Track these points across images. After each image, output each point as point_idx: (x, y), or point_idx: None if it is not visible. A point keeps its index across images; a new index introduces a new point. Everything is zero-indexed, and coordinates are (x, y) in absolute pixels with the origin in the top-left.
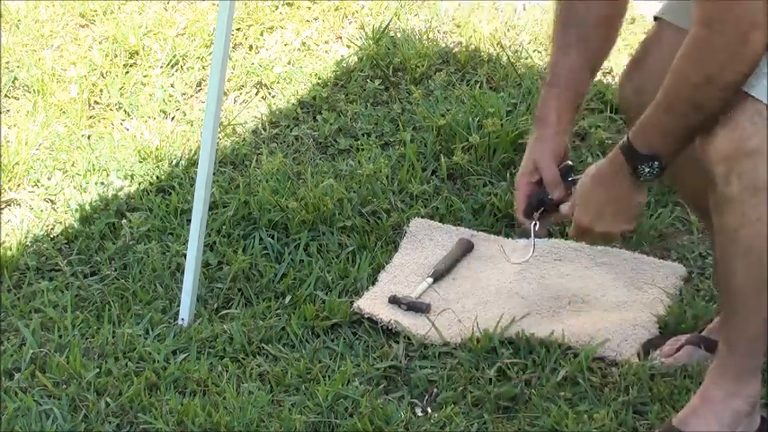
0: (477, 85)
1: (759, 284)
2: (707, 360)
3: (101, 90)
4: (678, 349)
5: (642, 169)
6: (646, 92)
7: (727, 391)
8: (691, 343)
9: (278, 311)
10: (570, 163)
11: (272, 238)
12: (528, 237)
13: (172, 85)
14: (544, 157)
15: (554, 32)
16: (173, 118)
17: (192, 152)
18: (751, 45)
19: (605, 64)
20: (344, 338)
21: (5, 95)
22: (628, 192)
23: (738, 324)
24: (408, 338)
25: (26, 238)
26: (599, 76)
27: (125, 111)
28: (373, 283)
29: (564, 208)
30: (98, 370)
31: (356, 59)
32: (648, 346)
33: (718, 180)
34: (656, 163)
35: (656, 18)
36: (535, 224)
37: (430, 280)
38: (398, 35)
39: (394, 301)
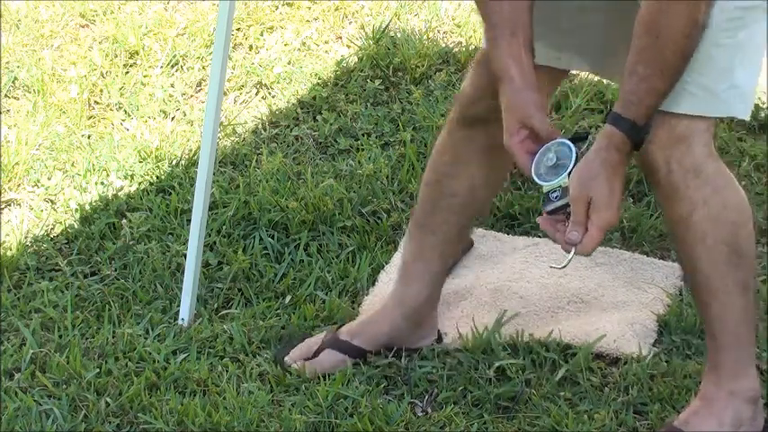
0: None
1: (723, 267)
2: (343, 362)
3: (101, 90)
4: (317, 353)
5: (644, 140)
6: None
7: (727, 390)
8: (329, 347)
9: (278, 311)
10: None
11: (272, 238)
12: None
13: (172, 85)
14: (528, 108)
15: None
16: (173, 118)
17: (192, 152)
18: None
19: None
20: None
21: (5, 95)
22: (625, 169)
23: (717, 315)
24: None
25: (26, 238)
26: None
27: (125, 111)
28: (373, 284)
29: (574, 234)
30: (98, 370)
31: (356, 59)
32: (282, 354)
33: (661, 171)
34: (650, 125)
35: None
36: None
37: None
38: (398, 35)
39: None
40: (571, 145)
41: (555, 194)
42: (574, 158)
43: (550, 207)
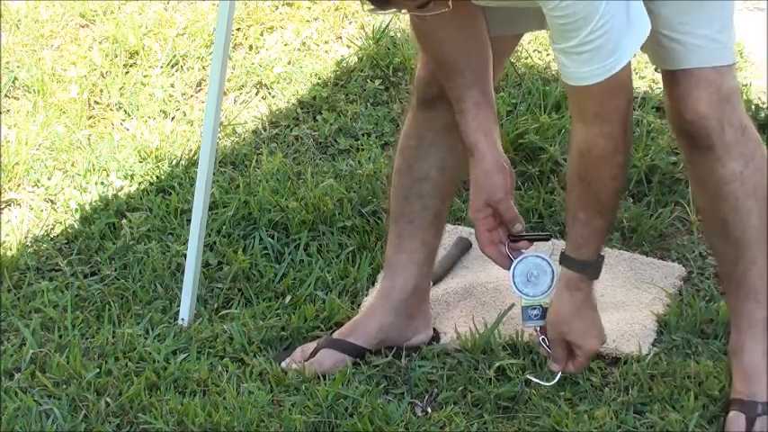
0: None
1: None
2: (343, 362)
3: (101, 90)
4: (314, 354)
5: (600, 269)
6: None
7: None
8: (325, 347)
9: (278, 311)
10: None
11: (272, 238)
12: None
13: (172, 85)
14: (497, 192)
15: (440, 76)
16: (173, 118)
17: (192, 152)
18: (630, 112)
19: None
20: None
21: (5, 95)
22: (594, 296)
23: (760, 271)
24: None
25: (26, 238)
26: None
27: (125, 111)
28: (373, 284)
29: (555, 367)
30: (98, 370)
31: (356, 59)
32: (278, 361)
33: (715, 133)
34: (602, 256)
35: None
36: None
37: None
38: (398, 35)
39: None
40: (550, 262)
41: (535, 312)
42: (550, 278)
43: (530, 324)
